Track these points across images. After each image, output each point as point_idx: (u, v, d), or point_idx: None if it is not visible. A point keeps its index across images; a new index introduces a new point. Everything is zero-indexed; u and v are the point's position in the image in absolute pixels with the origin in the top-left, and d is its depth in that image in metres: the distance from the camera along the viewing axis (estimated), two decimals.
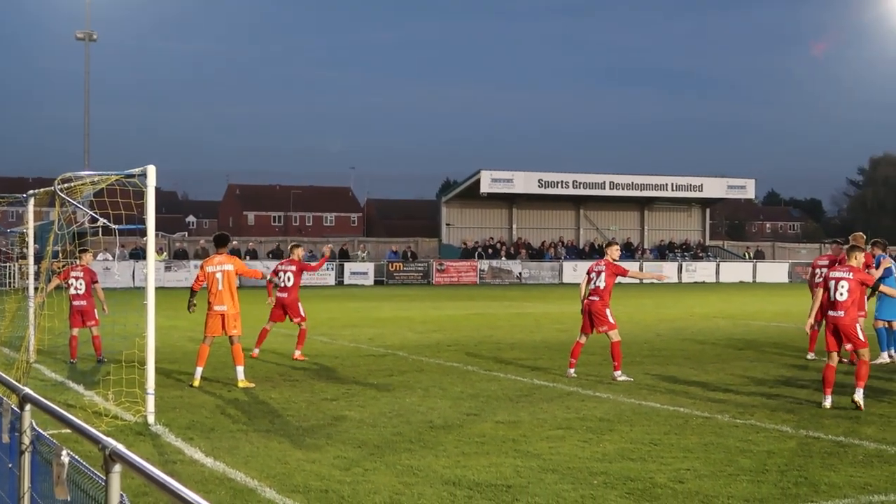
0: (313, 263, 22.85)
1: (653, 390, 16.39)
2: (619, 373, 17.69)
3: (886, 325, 20.47)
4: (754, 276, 70.92)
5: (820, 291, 15.37)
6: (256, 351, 20.64)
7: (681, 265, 70.73)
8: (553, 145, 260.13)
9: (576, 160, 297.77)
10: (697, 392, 16.21)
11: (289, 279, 20.78)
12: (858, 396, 14.48)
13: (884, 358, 20.18)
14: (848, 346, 15.07)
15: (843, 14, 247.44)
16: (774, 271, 71.43)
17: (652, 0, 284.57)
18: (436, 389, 16.33)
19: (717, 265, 71.63)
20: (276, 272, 21.01)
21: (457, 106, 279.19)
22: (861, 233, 21.24)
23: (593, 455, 11.17)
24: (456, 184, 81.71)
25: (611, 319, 18.01)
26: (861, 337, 14.84)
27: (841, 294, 14.79)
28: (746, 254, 78.73)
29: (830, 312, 14.92)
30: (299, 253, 21.39)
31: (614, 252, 18.87)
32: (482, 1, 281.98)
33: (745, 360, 20.88)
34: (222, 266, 16.99)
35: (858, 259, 15.37)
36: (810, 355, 20.96)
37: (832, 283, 14.97)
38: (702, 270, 70.73)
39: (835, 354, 14.95)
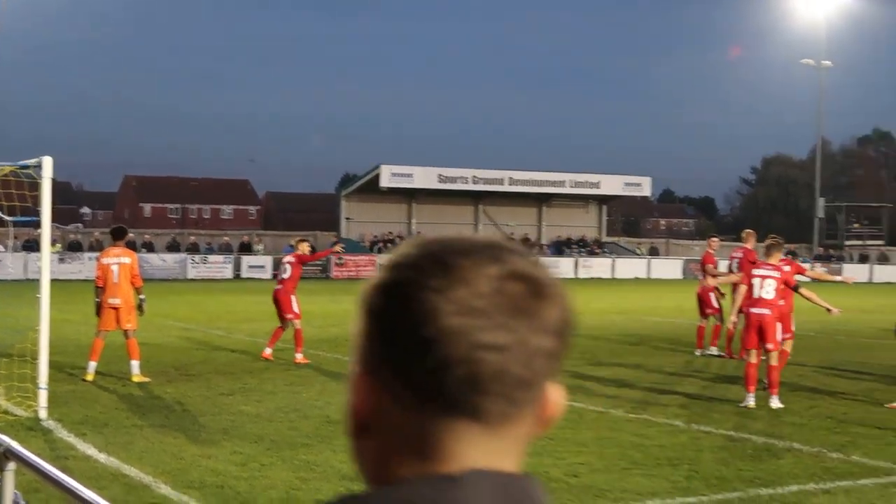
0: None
1: None
2: None
3: None
4: (649, 273, 71.93)
5: (743, 288, 15.51)
6: (269, 350, 19.52)
7: (577, 261, 71.44)
8: (454, 141, 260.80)
9: (476, 156, 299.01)
10: (592, 387, 16.42)
11: (285, 270, 19.95)
12: (774, 404, 14.56)
13: None
14: (768, 346, 14.95)
15: (739, 17, 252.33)
16: (668, 268, 72.50)
17: (553, 0, 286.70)
18: (333, 384, 16.30)
19: (613, 261, 72.50)
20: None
21: (357, 100, 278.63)
22: (752, 230, 21.75)
23: None
24: (356, 178, 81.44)
25: None
26: (778, 337, 15.05)
27: (767, 292, 14.93)
28: (639, 249, 79.86)
29: (754, 310, 15.02)
30: (305, 248, 20.59)
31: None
32: None
33: (639, 356, 21.21)
34: (119, 259, 16.75)
35: (777, 258, 15.56)
36: (698, 352, 21.34)
37: (757, 280, 15.10)
38: (598, 266, 71.50)
39: (754, 352, 14.94)
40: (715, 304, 21.54)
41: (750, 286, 15.20)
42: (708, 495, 9.40)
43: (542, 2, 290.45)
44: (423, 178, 71.16)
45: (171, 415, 13.31)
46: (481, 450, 1.21)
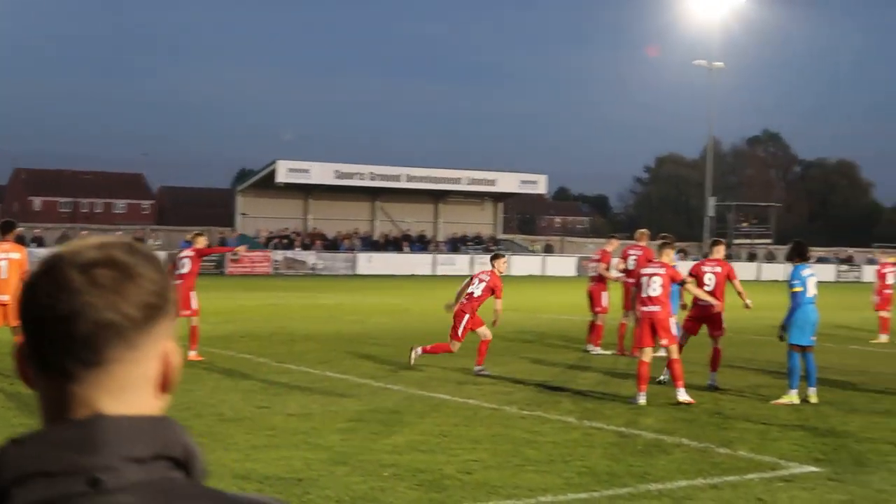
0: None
1: (443, 382, 16.64)
2: (480, 367, 17.85)
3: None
4: (544, 270, 72.58)
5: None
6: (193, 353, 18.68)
7: (472, 258, 71.74)
8: (352, 136, 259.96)
9: (374, 152, 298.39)
10: (486, 384, 16.53)
11: (184, 266, 19.25)
12: (682, 396, 14.78)
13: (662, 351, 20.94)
14: (663, 342, 15.29)
15: (634, 17, 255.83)
16: (563, 265, 73.22)
17: None
18: (227, 382, 16.17)
19: (509, 258, 72.98)
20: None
21: (254, 93, 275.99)
22: (646, 229, 22.12)
23: (384, 447, 11.28)
24: (252, 173, 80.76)
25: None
26: (674, 332, 15.33)
27: (654, 289, 15.16)
28: (534, 247, 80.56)
29: (644, 308, 15.27)
30: (202, 241, 19.99)
31: (501, 266, 18.84)
32: None
33: (533, 353, 21.40)
34: (7, 254, 16.41)
35: (669, 256, 15.84)
36: (590, 347, 21.58)
37: (645, 279, 15.33)
38: None
39: (649, 350, 15.16)
40: (604, 304, 21.84)
41: (639, 285, 15.43)
42: (599, 491, 9.53)
43: None
44: (320, 173, 70.85)
45: None
46: (99, 398, 1.52)
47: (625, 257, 21.60)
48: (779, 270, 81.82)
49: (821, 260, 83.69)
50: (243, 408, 13.80)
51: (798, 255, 15.91)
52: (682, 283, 16.00)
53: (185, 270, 19.39)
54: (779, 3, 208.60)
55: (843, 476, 10.36)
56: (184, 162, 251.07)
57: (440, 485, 9.61)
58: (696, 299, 16.96)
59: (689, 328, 17.36)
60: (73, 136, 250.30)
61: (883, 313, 26.39)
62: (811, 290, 15.62)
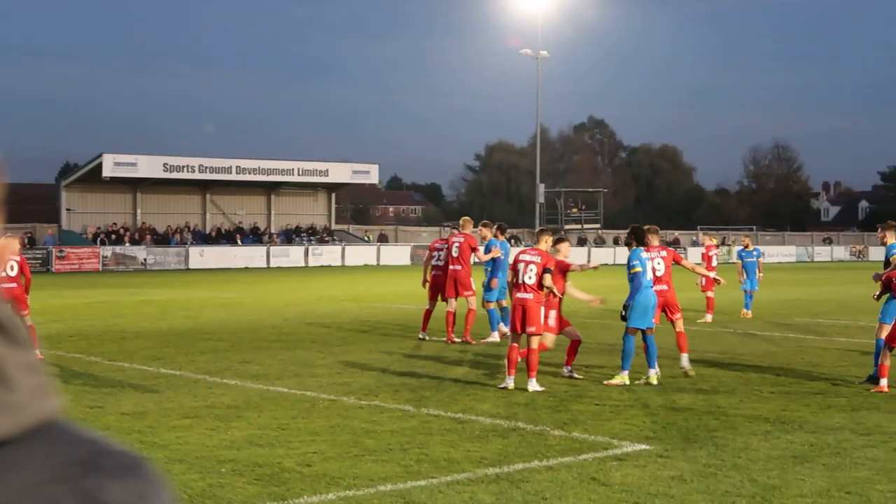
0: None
1: (280, 375, 16.55)
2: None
3: (497, 306, 21.56)
4: (378, 259, 72.74)
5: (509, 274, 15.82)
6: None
7: (307, 249, 71.44)
8: (180, 129, 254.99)
9: (204, 144, 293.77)
10: (324, 375, 16.50)
11: (12, 268, 18.22)
12: (532, 386, 14.81)
13: (493, 337, 21.24)
14: (530, 329, 15.11)
15: (464, 6, 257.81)
16: (397, 254, 73.52)
17: None
18: (56, 382, 15.73)
19: (343, 249, 72.90)
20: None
21: (77, 86, 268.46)
22: (468, 217, 22.46)
23: (221, 443, 11.17)
24: (77, 167, 78.72)
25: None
26: (542, 321, 15.29)
27: (529, 277, 15.19)
28: (368, 237, 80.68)
29: (518, 295, 15.31)
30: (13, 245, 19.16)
31: (566, 250, 17.31)
32: None
33: (370, 342, 21.44)
34: None
35: (547, 243, 15.92)
36: (421, 335, 21.72)
37: (521, 265, 15.32)
38: (328, 254, 71.75)
39: (518, 336, 15.23)
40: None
41: (515, 271, 15.49)
42: (437, 477, 9.63)
43: None
44: (148, 167, 69.48)
45: None
46: None
47: (449, 245, 21.67)
48: (609, 254, 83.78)
49: None
50: (74, 408, 13.47)
51: (636, 241, 16.15)
52: (557, 272, 15.75)
53: (14, 273, 18.79)
54: None
55: (673, 452, 10.70)
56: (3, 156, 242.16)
57: (280, 478, 9.57)
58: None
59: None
60: None
61: (709, 293, 27.23)
62: (650, 274, 15.96)
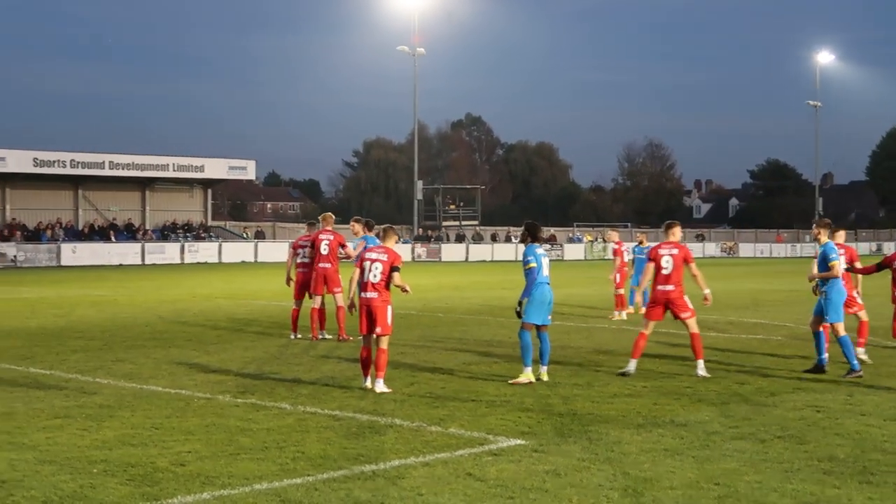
0: None
1: (154, 374, 16.31)
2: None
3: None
4: (256, 256, 72.16)
5: (357, 273, 15.48)
6: None
7: (183, 246, 70.53)
8: (50, 123, 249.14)
9: (76, 139, 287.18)
10: (199, 374, 16.31)
11: None
12: (380, 387, 14.48)
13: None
14: (377, 330, 14.72)
15: (341, 2, 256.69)
16: (275, 251, 73.07)
17: None
18: None
19: (220, 246, 72.19)
20: None
21: None
22: (330, 213, 22.37)
23: (93, 443, 10.97)
24: None
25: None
26: (389, 322, 14.84)
27: (374, 276, 14.79)
28: (245, 234, 79.97)
29: (363, 294, 14.93)
30: None
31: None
32: None
33: (245, 340, 21.26)
34: None
35: (393, 241, 15.57)
36: (293, 336, 21.54)
37: (367, 263, 14.95)
38: (204, 251, 70.99)
39: (369, 337, 14.85)
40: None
41: (361, 270, 15.21)
42: (314, 475, 9.59)
43: None
44: (17, 161, 67.92)
45: None
46: None
47: (317, 243, 21.47)
48: (486, 251, 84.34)
49: None
50: None
51: (531, 237, 15.94)
52: (395, 269, 15.02)
53: None
54: None
55: (548, 447, 10.83)
56: None
57: (153, 478, 9.44)
58: (654, 284, 16.49)
59: (654, 314, 16.61)
60: None
61: (621, 290, 27.45)
62: (545, 271, 15.77)
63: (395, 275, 14.92)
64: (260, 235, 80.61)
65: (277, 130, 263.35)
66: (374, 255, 15.16)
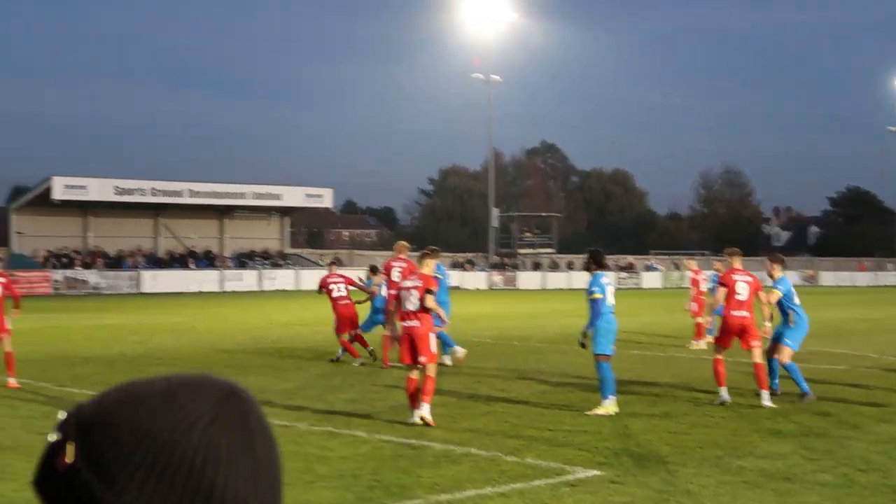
0: None
1: None
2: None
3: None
4: None
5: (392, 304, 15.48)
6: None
7: (261, 273, 71.15)
8: (131, 151, 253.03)
9: (155, 167, 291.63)
10: (277, 401, 16.39)
11: None
12: (425, 411, 14.22)
13: (449, 359, 21.21)
14: (421, 360, 14.53)
15: (415, 30, 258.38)
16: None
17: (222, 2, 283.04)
18: (4, 409, 15.57)
19: (297, 273, 72.66)
20: None
21: (25, 107, 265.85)
22: (405, 241, 22.67)
23: None
24: (26, 190, 78.03)
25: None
26: (433, 349, 14.69)
27: (412, 303, 14.64)
28: (322, 261, 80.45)
29: (404, 323, 14.70)
30: None
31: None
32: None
33: (322, 367, 21.36)
34: None
35: (430, 266, 15.55)
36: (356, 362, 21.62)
37: (403, 292, 14.89)
38: (282, 278, 71.52)
39: (412, 367, 14.64)
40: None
41: (398, 299, 15.01)
42: None
43: (221, 3, 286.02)
44: (99, 189, 69.00)
45: None
46: None
47: (388, 271, 21.52)
48: (561, 279, 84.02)
49: None
50: (22, 435, 13.30)
51: (595, 264, 15.81)
52: (429, 291, 14.81)
53: None
54: (550, 20, 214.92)
55: (625, 478, 10.72)
56: None
57: None
58: (726, 310, 16.42)
59: (727, 341, 16.64)
60: None
61: (700, 319, 27.13)
62: (610, 299, 15.53)
63: (428, 297, 14.67)
64: (336, 263, 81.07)
65: (354, 159, 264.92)
66: (408, 283, 15.03)
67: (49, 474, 1.28)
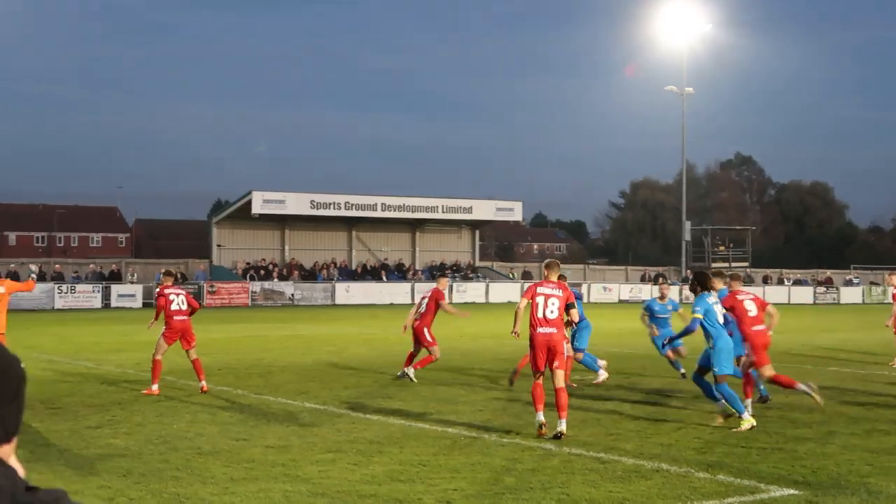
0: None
1: (422, 411, 16.59)
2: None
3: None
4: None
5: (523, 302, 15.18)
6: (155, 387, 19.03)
7: (451, 286, 71.76)
8: (326, 166, 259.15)
9: (350, 182, 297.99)
10: (465, 412, 16.48)
11: (183, 302, 20.25)
12: (562, 427, 14.11)
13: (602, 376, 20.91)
14: (555, 365, 14.56)
15: (607, 44, 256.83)
16: None
17: (412, 23, 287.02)
18: (204, 415, 16.09)
19: (487, 285, 73.02)
20: None
21: (229, 125, 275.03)
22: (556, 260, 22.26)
23: (363, 478, 11.23)
24: (227, 204, 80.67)
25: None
26: (566, 357, 14.80)
27: (551, 312, 14.66)
28: (512, 274, 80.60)
29: (541, 330, 14.66)
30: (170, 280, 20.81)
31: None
32: (227, 19, 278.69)
33: (506, 379, 21.34)
34: None
35: (555, 273, 15.30)
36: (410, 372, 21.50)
37: (541, 299, 14.76)
38: (472, 291, 71.95)
39: (540, 374, 14.69)
40: (429, 338, 21.81)
41: (535, 306, 14.81)
42: None
43: (397, 24, 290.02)
44: (296, 204, 70.76)
45: (36, 450, 12.97)
46: None
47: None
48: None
49: (798, 282, 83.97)
50: (221, 440, 13.72)
51: (700, 286, 15.71)
52: (571, 306, 15.00)
53: (185, 307, 20.24)
54: (743, 29, 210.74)
55: (823, 499, 10.36)
56: (159, 195, 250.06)
57: None
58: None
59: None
60: (45, 172, 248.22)
61: None
62: (720, 318, 15.55)
63: (573, 311, 14.87)
64: (527, 276, 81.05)
65: (545, 172, 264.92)
66: (547, 291, 14.90)
67: None
